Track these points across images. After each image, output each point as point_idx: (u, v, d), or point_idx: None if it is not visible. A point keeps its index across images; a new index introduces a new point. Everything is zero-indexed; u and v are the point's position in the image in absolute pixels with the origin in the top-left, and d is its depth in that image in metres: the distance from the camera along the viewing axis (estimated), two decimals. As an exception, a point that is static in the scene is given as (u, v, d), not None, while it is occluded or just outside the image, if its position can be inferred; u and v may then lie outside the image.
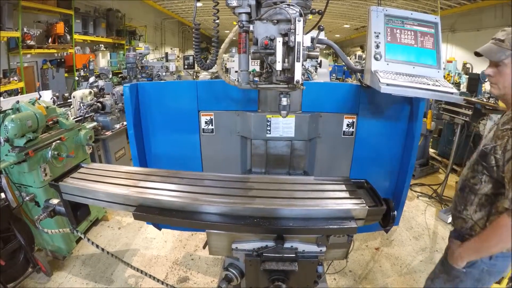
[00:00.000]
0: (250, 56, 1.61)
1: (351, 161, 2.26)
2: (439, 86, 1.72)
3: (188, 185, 1.63)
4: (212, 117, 2.14)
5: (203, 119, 2.14)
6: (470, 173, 1.65)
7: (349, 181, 1.68)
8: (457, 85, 8.32)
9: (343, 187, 1.62)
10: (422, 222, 4.07)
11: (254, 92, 2.05)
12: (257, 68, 1.83)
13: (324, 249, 1.45)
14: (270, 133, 2.04)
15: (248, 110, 2.08)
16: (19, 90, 6.98)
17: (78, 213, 1.71)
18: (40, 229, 1.70)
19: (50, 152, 2.87)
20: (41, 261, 2.83)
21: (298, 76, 1.47)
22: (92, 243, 1.80)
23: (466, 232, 1.65)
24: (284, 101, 1.64)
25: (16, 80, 6.93)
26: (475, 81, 6.50)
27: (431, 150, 6.06)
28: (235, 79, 1.76)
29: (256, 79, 1.71)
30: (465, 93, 5.97)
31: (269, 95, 2.03)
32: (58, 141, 3.01)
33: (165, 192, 1.54)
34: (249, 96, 2.06)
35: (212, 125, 2.15)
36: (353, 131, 2.20)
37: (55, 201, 1.73)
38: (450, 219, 3.96)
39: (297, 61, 1.45)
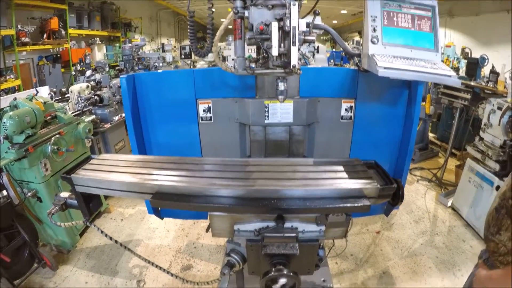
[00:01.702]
0: (246, 42, 1.61)
1: (350, 145, 2.27)
2: (437, 69, 1.72)
3: (200, 170, 1.66)
4: (210, 105, 2.14)
5: (201, 107, 2.15)
6: (510, 193, 1.36)
7: (359, 162, 1.70)
8: (456, 69, 8.26)
9: (353, 167, 1.64)
10: (422, 205, 4.11)
11: (251, 79, 2.05)
12: (254, 55, 1.83)
13: (323, 228, 1.48)
14: (268, 119, 2.05)
15: (246, 97, 2.08)
16: (16, 88, 6.95)
17: (90, 204, 1.73)
18: (53, 223, 1.72)
19: (49, 147, 2.88)
20: (46, 256, 2.87)
21: (294, 60, 1.48)
22: (102, 232, 1.81)
23: (498, 258, 1.41)
24: (281, 86, 1.65)
25: (12, 78, 6.89)
26: (474, 65, 6.46)
27: (430, 135, 6.08)
28: (231, 66, 1.76)
29: (253, 65, 1.71)
30: (464, 77, 5.95)
31: (266, 81, 2.03)
32: (57, 136, 3.02)
33: (180, 178, 1.56)
34: (246, 82, 2.06)
35: (210, 113, 2.16)
36: (351, 116, 2.20)
37: (65, 194, 1.74)
38: (449, 203, 4.02)
39: (293, 46, 1.46)
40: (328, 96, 2.13)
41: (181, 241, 3.48)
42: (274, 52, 1.49)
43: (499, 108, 3.12)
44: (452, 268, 3.01)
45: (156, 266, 2.03)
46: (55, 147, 2.97)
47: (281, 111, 2.03)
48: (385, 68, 1.67)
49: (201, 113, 2.16)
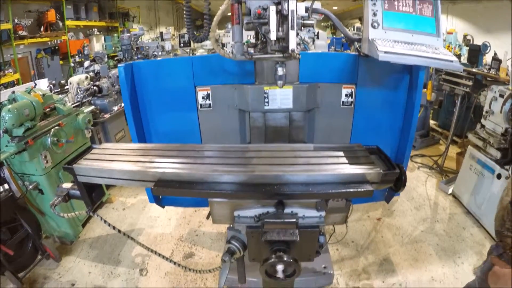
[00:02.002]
0: (243, 28, 1.59)
1: (351, 131, 2.26)
2: (439, 54, 1.69)
3: (201, 157, 1.65)
4: (209, 92, 2.12)
5: (200, 94, 2.13)
6: None
7: (361, 147, 1.69)
8: (457, 56, 8.18)
9: (355, 153, 1.63)
10: (423, 192, 4.11)
11: (250, 65, 2.02)
12: (253, 40, 1.80)
13: (323, 213, 1.48)
14: (268, 105, 2.03)
15: (245, 83, 2.06)
16: (15, 82, 6.93)
17: (93, 194, 1.73)
18: (56, 214, 1.72)
19: (49, 139, 2.88)
20: (49, 247, 2.89)
21: (292, 44, 1.46)
22: (105, 221, 1.81)
23: None
24: (280, 71, 1.63)
25: (11, 72, 6.88)
26: (476, 53, 6.40)
27: (431, 122, 6.05)
28: (229, 51, 1.74)
29: (251, 50, 1.69)
30: (465, 64, 5.89)
31: (265, 66, 2.01)
32: (56, 127, 3.01)
33: (182, 165, 1.54)
34: (245, 68, 2.04)
35: (209, 100, 2.14)
36: (352, 101, 2.18)
37: (68, 185, 1.74)
38: (450, 190, 4.02)
39: (291, 30, 1.43)
40: (328, 81, 2.10)
41: (183, 229, 3.51)
42: (272, 36, 1.47)
43: (501, 96, 3.09)
44: (453, 255, 3.02)
45: (159, 254, 2.05)
46: (55, 139, 2.97)
47: (281, 97, 2.01)
48: (385, 52, 1.64)
49: (200, 100, 2.15)
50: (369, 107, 2.20)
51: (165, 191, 1.49)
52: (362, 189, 1.35)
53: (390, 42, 1.72)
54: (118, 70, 2.08)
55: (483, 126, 3.41)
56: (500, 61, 4.06)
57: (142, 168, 1.53)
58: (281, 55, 1.54)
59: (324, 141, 2.23)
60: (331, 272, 2.39)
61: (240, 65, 2.02)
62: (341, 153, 1.62)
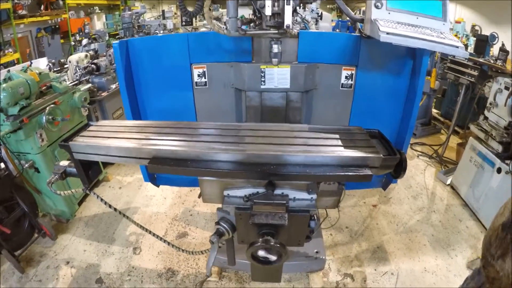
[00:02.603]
0: (238, 3, 1.52)
1: (350, 115, 2.21)
2: (444, 38, 1.63)
3: (198, 134, 1.62)
4: (205, 69, 2.07)
5: (196, 72, 2.08)
6: None
7: (362, 131, 1.65)
8: (464, 46, 8.00)
9: (356, 136, 1.60)
10: (421, 181, 4.08)
11: (247, 43, 1.96)
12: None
13: (314, 196, 1.45)
14: (264, 84, 1.98)
15: (241, 61, 2.00)
16: (15, 61, 6.86)
17: (90, 172, 1.72)
18: (52, 192, 1.72)
19: (44, 117, 2.85)
20: (46, 226, 2.91)
21: (288, 20, 1.40)
22: (102, 200, 1.83)
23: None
24: (275, 48, 1.57)
25: (11, 52, 6.81)
26: (483, 43, 6.24)
27: (434, 111, 5.96)
28: (224, 27, 1.67)
29: (245, 26, 1.62)
30: (472, 54, 5.75)
31: (263, 44, 1.94)
32: (52, 106, 2.97)
33: (177, 143, 1.52)
34: (242, 46, 1.98)
35: (205, 78, 2.09)
36: (351, 84, 2.13)
37: (65, 162, 1.73)
38: (449, 181, 3.98)
39: (287, 5, 1.37)
40: (327, 62, 2.05)
41: (178, 209, 3.50)
42: (267, 11, 1.42)
43: (506, 88, 3.00)
44: (447, 247, 2.99)
45: (152, 234, 2.05)
46: (50, 117, 2.93)
47: (278, 76, 1.95)
48: (387, 33, 1.58)
49: (195, 78, 2.10)
50: (369, 90, 2.15)
51: (159, 168, 1.46)
52: (361, 173, 1.32)
53: (393, 23, 1.65)
54: (113, 47, 2.03)
55: (486, 118, 3.33)
56: (507, 52, 3.94)
57: (138, 145, 1.50)
58: (276, 31, 1.48)
59: (322, 123, 2.17)
60: (323, 257, 2.38)
61: (237, 42, 1.96)
62: (341, 135, 1.58)
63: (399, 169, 1.45)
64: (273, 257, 1.45)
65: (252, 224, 1.41)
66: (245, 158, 1.39)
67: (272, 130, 1.66)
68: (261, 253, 1.39)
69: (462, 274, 2.69)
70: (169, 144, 1.49)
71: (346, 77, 2.10)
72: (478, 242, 3.03)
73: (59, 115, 3.05)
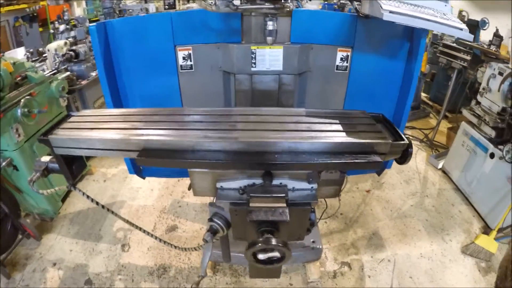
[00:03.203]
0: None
1: (344, 98, 2.11)
2: (448, 20, 1.59)
3: (189, 121, 1.48)
4: (190, 51, 1.91)
5: (180, 54, 1.92)
6: None
7: (367, 115, 1.56)
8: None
9: (361, 120, 1.50)
10: (413, 166, 4.05)
11: (236, 21, 1.81)
12: None
13: (315, 186, 1.34)
14: (255, 67, 1.84)
15: (230, 42, 1.86)
16: (-5, 52, 6.45)
17: (73, 167, 1.57)
18: (35, 191, 1.55)
19: (19, 110, 2.63)
20: (28, 227, 2.73)
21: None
22: (88, 197, 1.68)
23: None
24: (270, 25, 1.43)
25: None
26: (473, 28, 6.23)
27: (422, 94, 5.96)
28: (212, 2, 1.52)
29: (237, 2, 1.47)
30: (461, 39, 5.73)
31: (253, 23, 1.80)
32: (27, 97, 2.75)
33: (168, 132, 1.38)
34: (231, 26, 1.83)
35: (190, 61, 1.94)
36: (347, 66, 2.03)
37: (46, 158, 1.57)
38: (440, 165, 3.98)
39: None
40: (322, 43, 1.93)
41: (165, 201, 3.37)
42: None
43: (500, 74, 2.98)
44: (441, 232, 2.99)
45: (140, 229, 1.92)
46: (26, 110, 2.71)
47: (270, 58, 1.82)
48: (390, 12, 1.49)
49: (180, 61, 1.94)
50: (365, 73, 2.07)
51: (150, 161, 1.33)
52: (371, 160, 1.22)
53: (395, 2, 1.58)
54: (89, 31, 1.85)
55: (478, 103, 3.31)
56: (501, 38, 3.92)
57: (125, 136, 1.35)
58: (272, 6, 1.34)
59: (316, 108, 2.09)
60: (320, 247, 2.31)
61: (225, 21, 1.80)
62: (345, 120, 1.47)
63: (405, 154, 1.37)
64: (274, 257, 1.34)
65: (250, 222, 1.30)
66: (245, 147, 1.26)
67: (269, 115, 1.53)
68: (264, 253, 1.29)
69: (457, 259, 2.71)
70: (159, 134, 1.35)
71: (341, 58, 1.99)
72: (471, 227, 3.05)
73: (35, 107, 2.82)
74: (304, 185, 1.34)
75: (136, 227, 1.90)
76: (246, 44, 1.82)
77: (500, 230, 2.82)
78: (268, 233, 1.26)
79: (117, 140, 1.35)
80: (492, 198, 2.97)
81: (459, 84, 4.24)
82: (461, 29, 1.56)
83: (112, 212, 1.81)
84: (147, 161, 1.30)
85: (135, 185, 3.58)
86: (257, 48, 1.79)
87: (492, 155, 3.01)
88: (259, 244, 1.24)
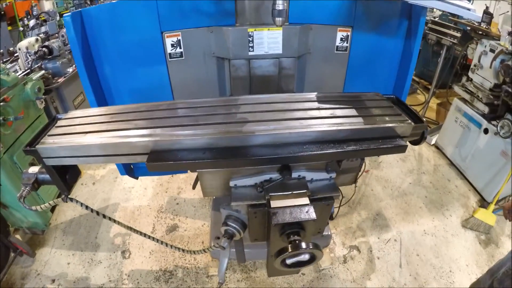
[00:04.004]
0: None
1: (344, 79, 2.02)
2: None
3: (199, 115, 1.31)
4: (180, 37, 1.75)
5: (168, 41, 1.75)
6: None
7: (382, 97, 1.47)
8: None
9: (379, 103, 1.42)
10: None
11: (229, 1, 1.66)
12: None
13: (333, 175, 1.25)
14: (253, 51, 1.71)
15: (223, 25, 1.71)
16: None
17: (67, 176, 1.38)
18: (27, 208, 1.37)
19: (-7, 120, 2.39)
20: (19, 243, 2.52)
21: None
22: (82, 205, 1.53)
23: None
24: (280, 5, 1.29)
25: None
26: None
27: (408, 70, 5.99)
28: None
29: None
30: (446, 15, 5.72)
31: (248, 4, 1.65)
32: (0, 104, 2.50)
33: (177, 128, 1.21)
34: (224, 7, 1.68)
35: (180, 48, 1.77)
36: (347, 46, 1.93)
37: (34, 169, 1.38)
38: (433, 141, 4.00)
39: None
40: (322, 23, 1.82)
41: (161, 199, 3.21)
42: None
43: (492, 51, 2.99)
44: (441, 208, 3.02)
45: (142, 234, 1.78)
46: (1, 118, 2.47)
47: (269, 41, 1.68)
48: None
49: (169, 49, 1.78)
50: (365, 53, 2.00)
51: (164, 166, 1.14)
52: (398, 145, 1.15)
53: None
54: (64, 22, 1.65)
55: (470, 79, 3.31)
56: (491, 15, 3.92)
57: (128, 139, 1.19)
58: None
59: (315, 91, 2.00)
60: (329, 233, 2.25)
61: (217, 2, 1.65)
62: (362, 104, 1.38)
63: (422, 135, 1.30)
64: (305, 259, 1.25)
65: (274, 226, 1.18)
66: (272, 139, 1.13)
67: (282, 102, 1.39)
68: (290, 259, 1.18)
69: (458, 233, 2.75)
70: (168, 133, 1.18)
71: (341, 39, 1.89)
72: (468, 201, 3.10)
73: (10, 114, 2.56)
74: (323, 175, 1.25)
75: (136, 231, 1.76)
76: (241, 27, 1.68)
77: (496, 203, 2.86)
78: (295, 234, 1.15)
79: (119, 144, 1.18)
80: (487, 172, 3.01)
81: (447, 60, 4.25)
82: (469, 9, 1.55)
83: (110, 219, 1.66)
84: (159, 166, 1.13)
85: (127, 185, 3.39)
86: (255, 30, 1.65)
87: (486, 131, 3.03)
88: (289, 251, 1.13)
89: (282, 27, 1.66)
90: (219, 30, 1.70)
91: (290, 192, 1.18)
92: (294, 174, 1.21)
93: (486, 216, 2.76)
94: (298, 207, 1.16)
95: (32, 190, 1.37)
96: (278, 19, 1.28)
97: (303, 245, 1.14)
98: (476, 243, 2.65)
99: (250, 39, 1.68)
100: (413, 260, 2.51)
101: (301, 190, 1.18)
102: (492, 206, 2.81)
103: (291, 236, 1.15)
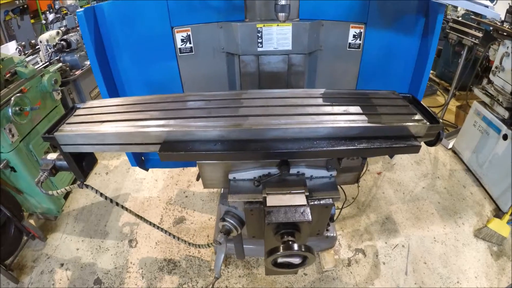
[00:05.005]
0: None
1: (357, 78, 1.97)
2: None
3: (212, 108, 1.32)
4: (189, 33, 1.76)
5: (179, 36, 1.77)
6: None
7: (398, 95, 1.44)
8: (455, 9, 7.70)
9: (393, 101, 1.39)
10: (423, 146, 3.93)
11: (239, -3, 1.65)
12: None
13: (334, 173, 1.23)
14: (262, 47, 1.70)
15: (233, 20, 1.70)
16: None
17: (83, 163, 1.44)
18: (43, 193, 1.42)
19: (10, 109, 2.48)
20: (32, 228, 2.65)
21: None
22: (97, 192, 1.53)
23: None
24: (283, 0, 1.28)
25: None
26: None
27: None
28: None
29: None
30: (468, 14, 5.49)
31: (258, -1, 1.64)
32: (18, 94, 2.59)
33: (191, 120, 1.22)
34: (233, 2, 1.67)
35: (190, 43, 1.79)
36: (360, 44, 1.88)
37: (52, 155, 1.44)
38: (450, 145, 3.86)
39: None
40: (333, 19, 1.79)
41: (171, 191, 3.27)
42: None
43: None
44: (454, 215, 2.91)
45: (150, 223, 1.81)
46: (17, 108, 2.57)
47: (278, 37, 1.67)
48: None
49: (179, 44, 1.80)
50: (379, 51, 1.94)
51: (176, 155, 1.15)
52: (411, 145, 1.14)
53: None
54: (78, 17, 1.69)
55: (490, 82, 3.16)
56: None
57: (142, 129, 1.21)
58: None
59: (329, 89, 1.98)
60: (334, 235, 2.23)
61: (227, -3, 1.65)
62: (376, 102, 1.35)
63: (438, 136, 1.26)
64: (296, 261, 1.23)
65: (267, 225, 1.17)
66: (282, 134, 1.13)
67: (294, 97, 1.38)
68: (281, 258, 1.17)
69: (470, 243, 2.64)
70: (181, 124, 1.19)
71: (354, 36, 1.85)
72: (483, 209, 2.97)
73: (27, 104, 2.66)
74: (323, 172, 1.23)
75: (146, 221, 1.80)
76: (250, 22, 1.67)
77: (512, 213, 2.73)
78: (289, 235, 1.13)
79: (134, 133, 1.21)
80: (504, 180, 2.86)
81: (468, 61, 4.08)
82: (487, 7, 1.50)
83: (123, 207, 1.69)
84: (171, 156, 1.15)
85: (138, 176, 3.47)
86: (264, 26, 1.64)
87: (505, 137, 2.89)
88: (280, 252, 1.12)
89: (291, 23, 1.64)
90: (228, 26, 1.71)
91: (287, 190, 1.17)
92: (293, 170, 1.19)
93: (500, 226, 2.63)
94: (294, 207, 1.14)
95: (50, 175, 1.42)
96: (281, 14, 1.27)
97: (295, 246, 1.12)
98: (487, 255, 2.54)
99: (259, 34, 1.67)
100: (420, 268, 2.44)
101: (299, 189, 1.16)
102: (507, 217, 2.68)
103: (285, 236, 1.14)
